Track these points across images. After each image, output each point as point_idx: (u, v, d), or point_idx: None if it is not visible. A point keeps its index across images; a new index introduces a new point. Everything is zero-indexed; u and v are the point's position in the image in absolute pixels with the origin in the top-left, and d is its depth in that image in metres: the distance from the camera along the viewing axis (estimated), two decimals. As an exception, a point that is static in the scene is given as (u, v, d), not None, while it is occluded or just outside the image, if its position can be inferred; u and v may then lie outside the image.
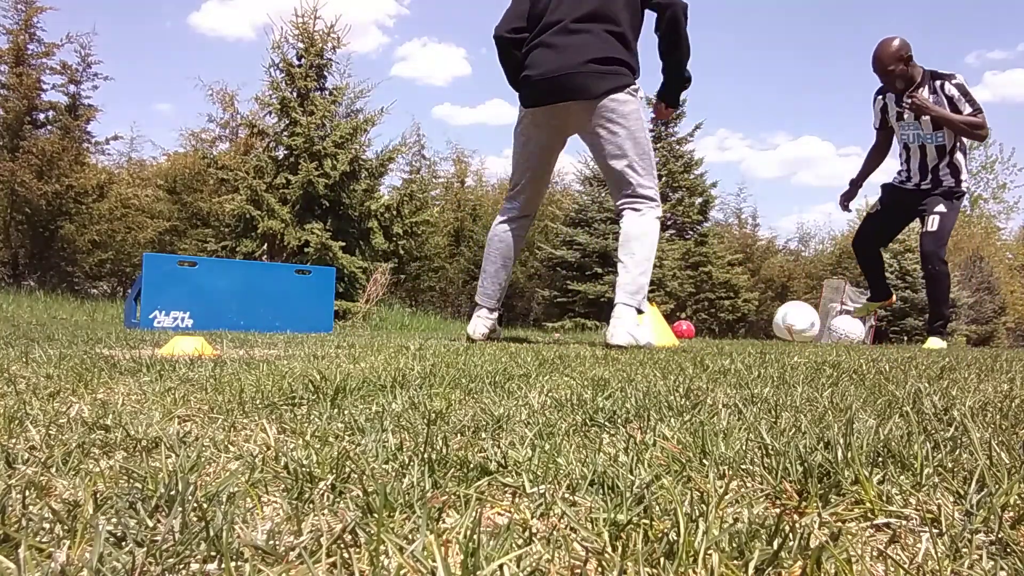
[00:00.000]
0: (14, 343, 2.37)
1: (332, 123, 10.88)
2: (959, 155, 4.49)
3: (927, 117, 4.42)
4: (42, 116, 13.02)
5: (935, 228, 4.42)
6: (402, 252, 11.73)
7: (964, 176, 4.52)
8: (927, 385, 1.34)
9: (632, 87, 3.08)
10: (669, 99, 3.34)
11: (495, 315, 3.47)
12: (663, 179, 17.70)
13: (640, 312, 3.02)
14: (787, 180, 46.05)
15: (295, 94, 10.90)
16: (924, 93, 4.43)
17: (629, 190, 3.10)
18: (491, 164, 45.09)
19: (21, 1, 12.68)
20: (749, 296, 17.39)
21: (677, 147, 18.07)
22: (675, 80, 3.25)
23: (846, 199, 4.99)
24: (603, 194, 13.54)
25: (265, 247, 10.27)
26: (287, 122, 10.68)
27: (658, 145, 18.11)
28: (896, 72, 4.42)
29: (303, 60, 10.95)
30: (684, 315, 15.45)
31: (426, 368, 1.61)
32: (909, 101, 4.42)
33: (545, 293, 13.90)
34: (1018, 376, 1.61)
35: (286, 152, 10.69)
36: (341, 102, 11.28)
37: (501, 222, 3.44)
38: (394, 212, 11.34)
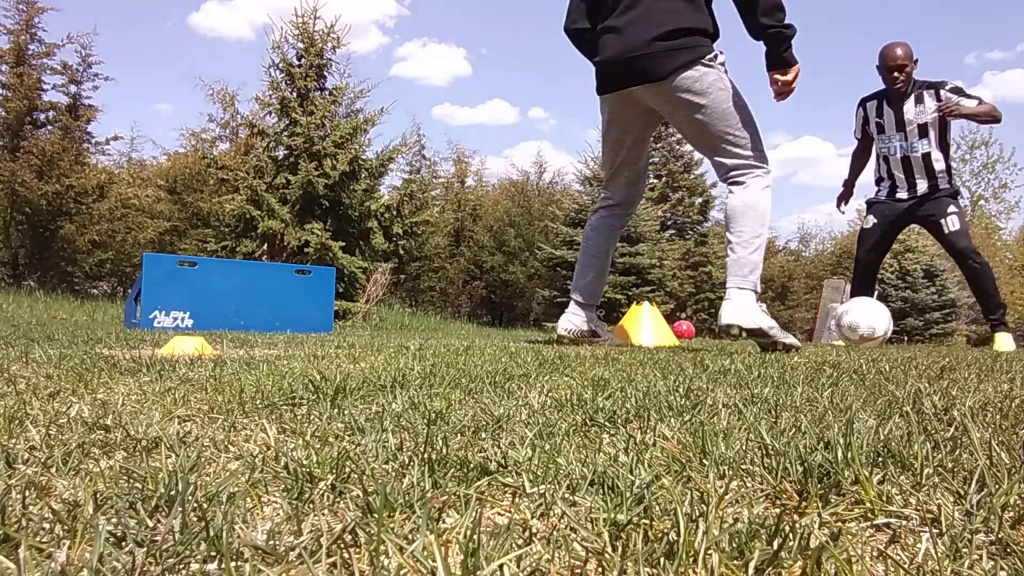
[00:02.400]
0: (14, 343, 2.37)
1: (332, 123, 10.89)
2: (943, 155, 4.54)
3: (912, 127, 4.49)
4: (42, 116, 13.05)
5: (959, 227, 4.42)
6: (402, 252, 11.74)
7: (953, 176, 4.58)
8: (927, 385, 1.34)
9: (707, 57, 2.77)
10: (770, 62, 2.82)
11: (587, 312, 3.21)
12: (663, 179, 17.71)
13: (756, 292, 2.78)
14: (787, 180, 46.05)
15: (295, 94, 10.91)
16: (911, 103, 4.50)
17: (724, 170, 2.87)
18: (491, 164, 45.17)
19: (22, 1, 12.70)
20: (749, 296, 17.35)
21: (677, 147, 18.08)
22: (765, 39, 2.75)
23: (842, 199, 5.03)
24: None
25: (265, 247, 10.27)
26: (287, 122, 10.69)
27: (658, 145, 18.13)
28: (909, 70, 4.47)
29: (303, 60, 10.96)
30: (684, 315, 15.45)
31: (426, 368, 1.61)
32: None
33: (545, 293, 13.91)
34: (1018, 376, 1.61)
35: (286, 152, 10.70)
36: (341, 102, 11.29)
37: (594, 211, 3.24)
38: (394, 212, 11.34)
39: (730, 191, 2.87)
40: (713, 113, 2.78)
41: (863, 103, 4.76)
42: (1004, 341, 4.39)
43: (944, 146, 4.52)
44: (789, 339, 2.81)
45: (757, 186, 2.82)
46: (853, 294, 4.88)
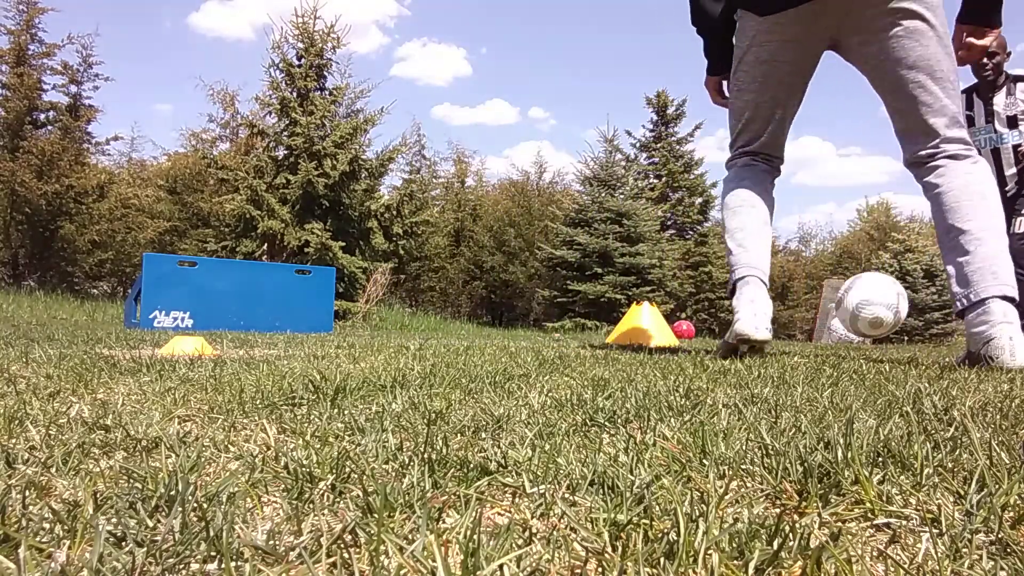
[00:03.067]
0: (14, 343, 2.37)
1: (332, 123, 10.90)
2: None
3: (1001, 118, 4.29)
4: (42, 116, 13.05)
5: (1023, 229, 4.27)
6: (402, 252, 11.75)
7: None
8: (927, 385, 1.34)
9: None
10: (967, 11, 2.10)
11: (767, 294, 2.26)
12: (663, 179, 17.72)
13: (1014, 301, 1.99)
14: (787, 180, 46.04)
15: (295, 94, 10.91)
16: (1002, 96, 4.30)
17: (940, 129, 2.07)
18: (491, 164, 45.21)
19: (23, 2, 12.70)
20: (749, 296, 17.36)
21: (677, 147, 18.10)
22: None
23: None
24: (603, 194, 13.52)
25: (265, 247, 10.28)
26: (287, 122, 10.70)
27: (658, 146, 18.13)
28: (1000, 60, 4.24)
29: (303, 60, 10.96)
30: (684, 315, 15.46)
31: (426, 368, 1.61)
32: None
33: (545, 293, 13.92)
34: (1018, 376, 1.61)
35: (286, 152, 10.71)
36: (341, 102, 11.30)
37: (740, 165, 2.42)
38: (394, 212, 11.35)
39: (944, 167, 2.08)
40: (940, 45, 2.04)
41: None
42: None
43: None
44: None
45: (983, 164, 2.09)
46: None
